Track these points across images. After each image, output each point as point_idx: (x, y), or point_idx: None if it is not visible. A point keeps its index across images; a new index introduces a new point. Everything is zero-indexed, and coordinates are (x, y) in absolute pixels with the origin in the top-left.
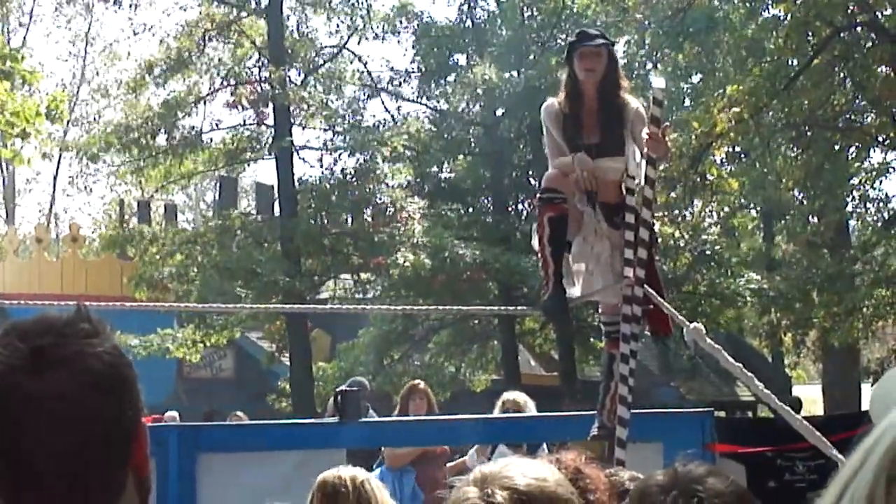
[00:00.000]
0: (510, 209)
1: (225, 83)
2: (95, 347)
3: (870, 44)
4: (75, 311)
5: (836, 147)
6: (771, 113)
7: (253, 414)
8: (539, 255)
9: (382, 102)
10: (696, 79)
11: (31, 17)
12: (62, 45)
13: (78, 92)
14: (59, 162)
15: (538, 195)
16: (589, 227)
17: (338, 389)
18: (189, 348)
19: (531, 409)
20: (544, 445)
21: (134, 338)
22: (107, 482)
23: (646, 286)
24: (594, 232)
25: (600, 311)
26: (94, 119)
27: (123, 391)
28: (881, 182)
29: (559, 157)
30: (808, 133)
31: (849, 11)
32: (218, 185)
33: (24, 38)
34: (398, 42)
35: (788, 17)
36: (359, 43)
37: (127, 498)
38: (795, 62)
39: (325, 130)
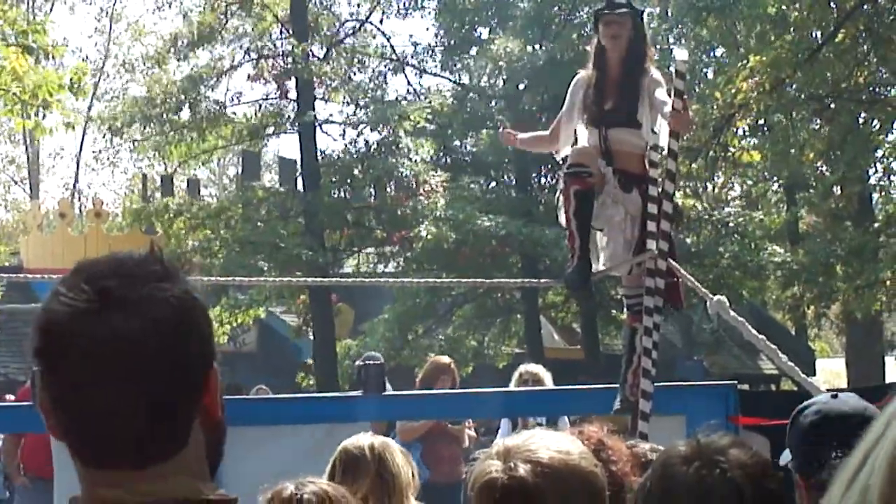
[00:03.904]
0: (533, 182)
1: (247, 57)
2: (165, 291)
3: (893, 16)
4: (148, 251)
5: (860, 120)
6: (794, 85)
7: (276, 388)
8: (566, 229)
9: (405, 76)
10: (718, 52)
11: None
12: (88, 21)
13: (103, 67)
14: (83, 137)
15: (565, 169)
16: (608, 191)
17: (359, 363)
18: (215, 331)
19: (549, 381)
20: (565, 418)
21: None
22: (170, 428)
23: (669, 259)
24: (611, 196)
25: (622, 283)
26: (119, 95)
27: (190, 336)
28: None
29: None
30: (832, 105)
31: None
32: (241, 159)
33: (49, 12)
34: (421, 16)
35: None
36: (381, 21)
37: (193, 444)
38: (819, 34)
39: (347, 104)
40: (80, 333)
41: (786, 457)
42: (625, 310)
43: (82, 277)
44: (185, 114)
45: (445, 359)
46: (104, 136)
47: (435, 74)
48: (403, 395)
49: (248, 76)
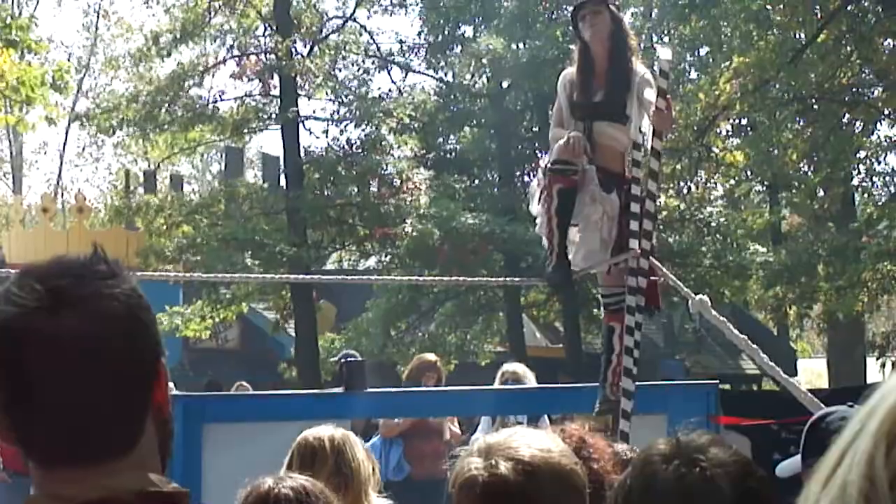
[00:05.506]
0: (516, 180)
1: (231, 54)
2: (112, 289)
3: (876, 17)
4: (92, 252)
5: (843, 120)
6: (777, 85)
7: (258, 384)
8: (541, 222)
9: (389, 74)
10: (702, 51)
11: None
12: (75, 16)
13: (88, 64)
14: (66, 132)
15: (549, 165)
16: (588, 189)
17: (342, 360)
18: (198, 325)
19: (531, 380)
20: (545, 417)
21: None
22: (124, 424)
23: (651, 258)
24: (590, 194)
25: (599, 283)
26: (103, 92)
27: (140, 333)
28: (886, 156)
29: (558, 126)
30: (815, 106)
31: None
32: (224, 155)
33: (35, 8)
34: (405, 14)
35: None
36: (368, 18)
37: (146, 440)
38: (802, 35)
39: (331, 101)
40: (33, 333)
41: (791, 467)
42: (602, 309)
43: (33, 277)
44: (169, 110)
45: (431, 356)
46: (93, 134)
47: (419, 72)
48: (387, 393)
49: (231, 74)
